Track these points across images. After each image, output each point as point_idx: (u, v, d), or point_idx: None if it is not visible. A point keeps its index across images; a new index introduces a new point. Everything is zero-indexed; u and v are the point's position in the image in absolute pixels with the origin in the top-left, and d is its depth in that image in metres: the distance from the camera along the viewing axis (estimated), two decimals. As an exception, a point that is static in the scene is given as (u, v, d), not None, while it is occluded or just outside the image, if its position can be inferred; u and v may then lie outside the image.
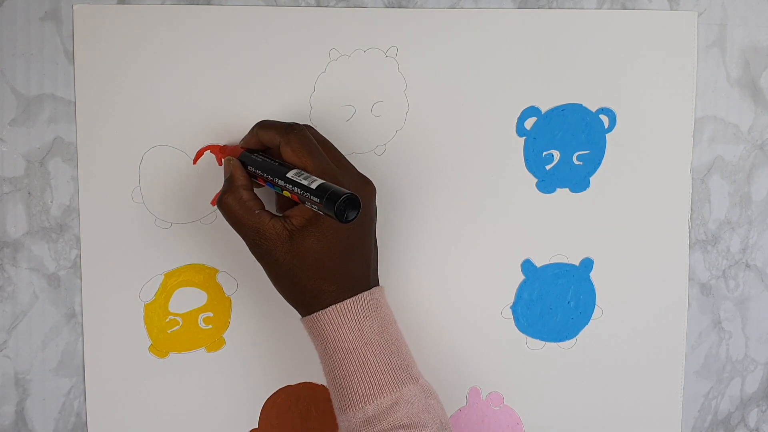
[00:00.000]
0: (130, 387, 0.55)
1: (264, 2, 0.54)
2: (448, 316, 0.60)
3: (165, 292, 0.55)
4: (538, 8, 0.58)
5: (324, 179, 0.46)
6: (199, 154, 0.54)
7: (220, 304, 0.56)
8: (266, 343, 0.57)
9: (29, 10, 0.50)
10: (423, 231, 0.59)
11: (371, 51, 0.56)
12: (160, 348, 0.56)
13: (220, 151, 0.53)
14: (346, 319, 0.48)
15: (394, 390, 0.48)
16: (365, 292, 0.49)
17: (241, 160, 0.51)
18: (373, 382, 0.47)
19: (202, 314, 0.56)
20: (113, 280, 0.54)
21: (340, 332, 0.48)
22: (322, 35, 0.55)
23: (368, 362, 0.48)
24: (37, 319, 0.54)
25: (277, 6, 0.54)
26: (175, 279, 0.55)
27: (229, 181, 0.50)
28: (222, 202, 0.49)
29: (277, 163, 0.49)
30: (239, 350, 0.57)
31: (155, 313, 0.55)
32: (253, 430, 0.58)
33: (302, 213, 0.48)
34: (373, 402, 0.47)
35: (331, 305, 0.48)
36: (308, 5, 0.54)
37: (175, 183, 0.54)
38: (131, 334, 0.55)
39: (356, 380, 0.47)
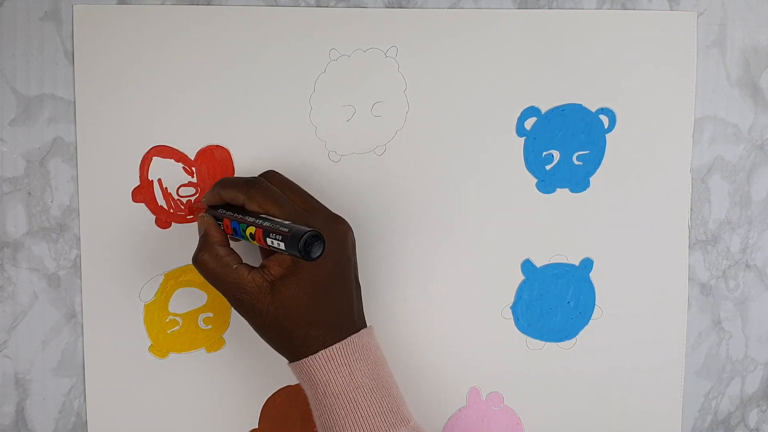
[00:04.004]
0: (130, 387, 0.55)
1: (264, 2, 0.54)
2: (448, 316, 0.60)
3: (165, 292, 0.55)
4: (538, 8, 0.58)
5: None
6: (190, 211, 0.54)
7: (220, 305, 0.56)
8: (266, 344, 0.57)
9: (29, 10, 0.50)
10: (423, 231, 0.59)
11: (371, 51, 0.56)
12: (160, 348, 0.56)
13: (188, 210, 0.54)
14: (336, 363, 0.48)
15: None
16: (354, 335, 0.49)
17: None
18: (364, 428, 0.47)
19: (202, 314, 0.56)
20: (113, 280, 0.54)
21: (330, 377, 0.47)
22: (322, 35, 0.55)
23: (359, 407, 0.47)
24: (37, 319, 0.54)
25: (277, 6, 0.54)
26: (175, 279, 0.55)
27: (204, 238, 0.49)
28: (197, 260, 0.48)
29: (241, 216, 0.48)
30: (239, 350, 0.57)
31: (155, 313, 0.55)
32: (253, 430, 0.58)
33: (280, 262, 0.47)
34: None
35: (319, 350, 0.48)
36: (308, 5, 0.54)
37: (175, 183, 0.54)
38: (131, 334, 0.55)
39: (347, 425, 0.47)
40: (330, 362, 0.47)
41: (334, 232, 0.49)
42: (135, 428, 0.56)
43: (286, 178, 0.51)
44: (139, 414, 0.56)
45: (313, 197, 0.51)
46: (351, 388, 0.47)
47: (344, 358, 0.48)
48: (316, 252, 0.44)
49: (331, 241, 0.48)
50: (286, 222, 0.46)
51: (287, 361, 0.50)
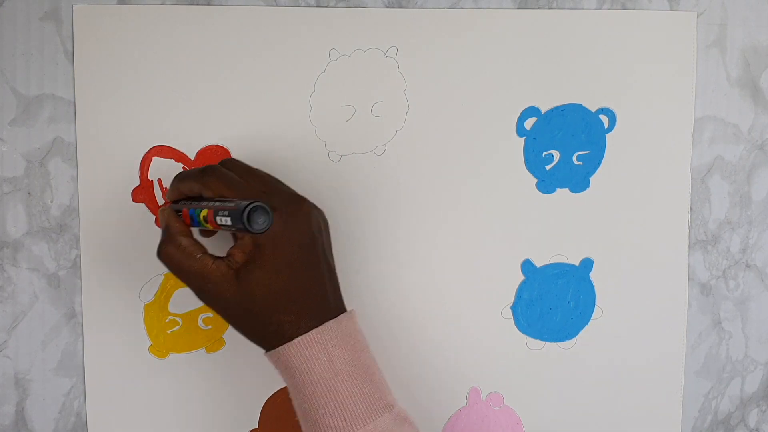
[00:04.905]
0: (130, 387, 0.55)
1: (264, 2, 0.54)
2: (449, 316, 0.60)
3: (165, 292, 0.55)
4: (538, 8, 0.58)
5: None
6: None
7: (220, 304, 0.56)
8: (266, 343, 0.57)
9: (29, 10, 0.50)
10: (422, 231, 0.59)
11: (371, 51, 0.56)
12: (159, 348, 0.56)
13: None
14: (314, 350, 0.46)
15: (368, 421, 0.46)
16: (332, 321, 0.47)
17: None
18: (345, 415, 0.46)
19: (201, 315, 0.56)
20: (113, 280, 0.54)
21: (309, 364, 0.46)
22: (322, 35, 0.55)
23: (339, 393, 0.46)
24: (37, 319, 0.54)
25: (277, 6, 0.54)
26: (174, 279, 0.55)
27: (165, 230, 0.47)
28: (161, 253, 0.47)
29: (196, 202, 0.48)
30: (239, 350, 0.57)
31: (155, 313, 0.55)
32: (253, 430, 0.58)
33: (242, 248, 0.46)
34: None
35: (295, 337, 0.46)
36: (308, 5, 0.54)
37: (175, 183, 0.54)
38: (131, 334, 0.55)
39: (327, 413, 0.46)
40: (307, 349, 0.46)
41: (294, 212, 0.47)
42: (135, 428, 0.56)
43: (245, 164, 0.50)
44: (139, 414, 0.56)
45: (275, 179, 0.49)
46: (330, 375, 0.46)
47: (322, 344, 0.46)
48: (260, 223, 0.42)
49: (291, 222, 0.47)
50: (236, 200, 0.45)
51: (263, 351, 0.48)
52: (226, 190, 0.46)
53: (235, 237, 0.51)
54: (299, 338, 0.46)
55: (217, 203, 0.45)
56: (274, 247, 0.46)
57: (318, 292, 0.48)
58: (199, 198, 0.48)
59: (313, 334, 0.46)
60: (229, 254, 0.47)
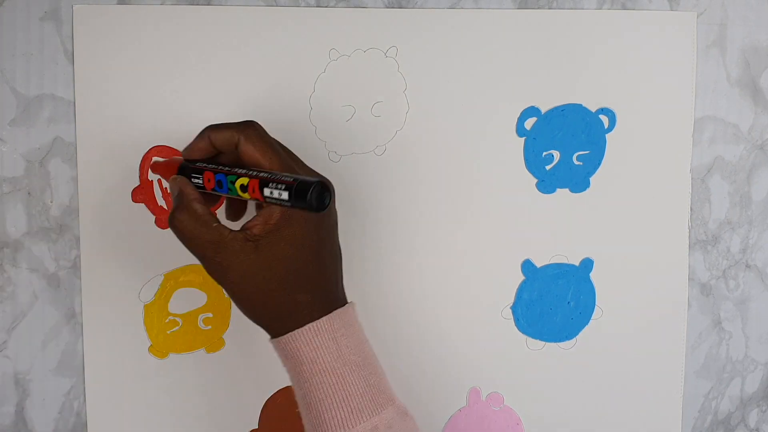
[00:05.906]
0: (130, 387, 0.55)
1: (264, 2, 0.54)
2: (448, 316, 0.60)
3: (165, 292, 0.55)
4: (538, 8, 0.58)
5: None
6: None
7: (219, 305, 0.56)
8: (266, 344, 0.57)
9: (29, 10, 0.50)
10: (422, 231, 0.59)
11: (371, 51, 0.56)
12: (159, 348, 0.56)
13: (162, 169, 0.49)
14: (324, 338, 0.45)
15: (373, 414, 0.45)
16: (339, 309, 0.46)
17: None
18: (352, 407, 0.45)
19: (201, 315, 0.56)
20: (113, 281, 0.54)
21: (318, 353, 0.45)
22: (322, 35, 0.55)
23: (347, 384, 0.45)
24: (37, 319, 0.53)
25: (277, 6, 0.54)
26: (174, 279, 0.55)
27: (179, 197, 0.45)
28: (173, 219, 0.44)
29: (227, 168, 0.44)
30: (239, 351, 0.57)
31: (155, 313, 0.55)
32: (253, 430, 0.58)
33: (264, 220, 0.44)
34: (352, 428, 0.44)
35: (306, 323, 0.45)
36: (308, 5, 0.54)
37: (175, 183, 0.54)
38: (131, 335, 0.55)
39: (334, 405, 0.44)
40: (317, 336, 0.45)
41: None
42: (135, 428, 0.56)
43: (270, 136, 0.47)
44: (139, 414, 0.56)
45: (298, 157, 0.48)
46: (339, 365, 0.45)
47: (331, 332, 0.45)
48: (324, 202, 0.40)
49: None
50: (284, 173, 0.42)
51: (269, 337, 0.46)
52: (271, 151, 0.44)
53: (231, 206, 0.49)
54: (309, 325, 0.45)
55: (264, 174, 0.42)
56: (303, 224, 0.44)
57: (333, 276, 0.47)
58: (223, 162, 0.45)
59: (323, 321, 0.45)
60: (245, 227, 0.44)
